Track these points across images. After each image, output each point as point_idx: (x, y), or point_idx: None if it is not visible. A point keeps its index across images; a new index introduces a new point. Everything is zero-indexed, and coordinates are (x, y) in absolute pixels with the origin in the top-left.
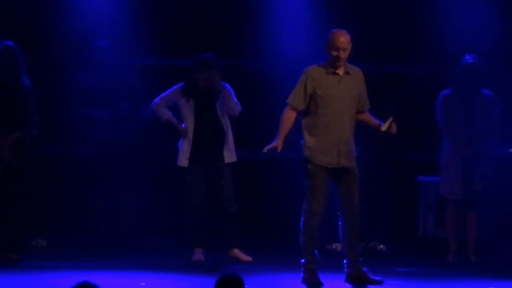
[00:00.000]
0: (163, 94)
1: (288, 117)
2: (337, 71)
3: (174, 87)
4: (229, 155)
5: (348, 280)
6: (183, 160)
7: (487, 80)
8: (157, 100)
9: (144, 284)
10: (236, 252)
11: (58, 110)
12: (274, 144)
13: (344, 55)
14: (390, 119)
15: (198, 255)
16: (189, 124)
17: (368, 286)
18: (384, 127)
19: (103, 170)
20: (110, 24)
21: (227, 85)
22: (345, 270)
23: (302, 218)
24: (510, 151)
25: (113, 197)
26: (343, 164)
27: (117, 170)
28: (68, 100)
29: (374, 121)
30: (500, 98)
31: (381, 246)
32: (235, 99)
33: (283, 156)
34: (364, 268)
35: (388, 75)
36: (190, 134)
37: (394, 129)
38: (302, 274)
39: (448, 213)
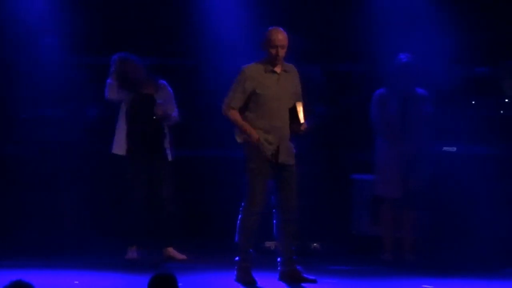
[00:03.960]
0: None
1: (238, 116)
2: (275, 69)
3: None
4: (170, 153)
5: (281, 278)
6: (119, 149)
7: (421, 79)
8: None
9: (77, 282)
10: (171, 250)
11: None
12: (253, 137)
13: (282, 52)
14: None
15: (132, 253)
16: (124, 115)
17: (302, 284)
18: (302, 118)
19: (39, 169)
20: (55, 21)
21: (170, 89)
22: (279, 268)
23: (240, 216)
24: (448, 150)
25: (48, 196)
26: (283, 162)
27: (53, 168)
28: (14, 99)
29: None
30: (433, 97)
31: (315, 244)
32: (174, 112)
33: (222, 154)
34: (298, 267)
35: (324, 74)
36: (124, 125)
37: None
38: (236, 272)
39: (384, 211)
